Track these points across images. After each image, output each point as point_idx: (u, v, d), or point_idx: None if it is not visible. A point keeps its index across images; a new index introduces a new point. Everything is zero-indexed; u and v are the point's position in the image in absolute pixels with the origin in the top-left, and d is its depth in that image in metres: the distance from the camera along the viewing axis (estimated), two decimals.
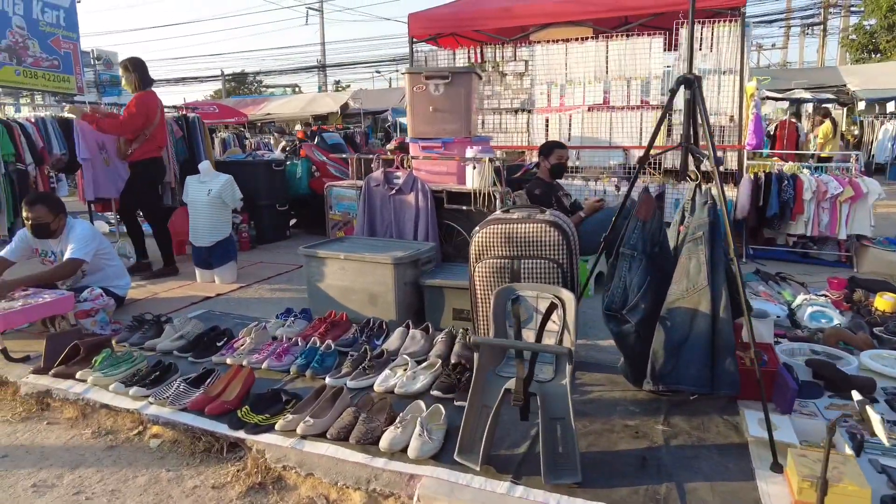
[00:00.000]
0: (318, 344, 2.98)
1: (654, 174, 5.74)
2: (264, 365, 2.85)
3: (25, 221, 3.58)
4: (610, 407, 2.44)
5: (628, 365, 2.52)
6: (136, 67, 4.70)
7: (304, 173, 6.58)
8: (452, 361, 2.76)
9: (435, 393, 2.49)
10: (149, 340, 3.21)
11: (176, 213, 5.73)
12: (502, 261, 2.69)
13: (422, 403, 2.31)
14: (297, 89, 33.05)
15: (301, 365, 2.80)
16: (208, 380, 2.67)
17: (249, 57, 61.97)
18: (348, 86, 33.86)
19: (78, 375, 2.79)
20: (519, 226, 2.65)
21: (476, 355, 2.01)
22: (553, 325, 2.11)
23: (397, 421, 2.18)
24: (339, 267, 3.50)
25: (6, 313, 3.00)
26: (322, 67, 33.62)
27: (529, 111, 6.09)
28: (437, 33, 6.33)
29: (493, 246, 2.70)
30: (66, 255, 3.52)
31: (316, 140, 6.63)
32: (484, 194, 3.75)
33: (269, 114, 21.55)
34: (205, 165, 4.63)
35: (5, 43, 15.36)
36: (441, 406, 2.27)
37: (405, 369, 2.75)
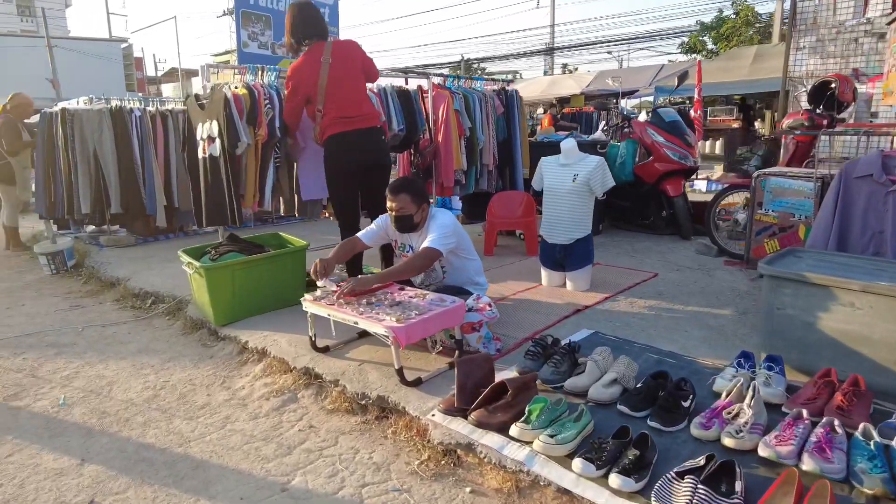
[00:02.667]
0: (873, 436, 1.79)
1: None
2: (804, 464, 1.73)
3: (389, 211, 2.95)
4: None
5: None
6: (293, 14, 3.35)
7: (629, 157, 5.44)
8: None
9: None
10: (568, 379, 2.32)
11: (494, 199, 5.02)
12: None
13: None
14: (518, 75, 32.36)
15: (886, 479, 1.63)
16: (736, 483, 1.63)
17: (482, 42, 63.38)
18: (576, 68, 32.39)
19: (514, 433, 1.96)
20: None
21: None
22: None
23: None
24: (844, 302, 2.25)
25: (408, 326, 2.31)
26: (550, 51, 32.64)
27: None
28: None
29: None
30: (424, 244, 2.81)
31: (649, 117, 5.46)
32: None
33: None
34: (569, 144, 3.72)
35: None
36: None
37: None
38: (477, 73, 36.94)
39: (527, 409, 2.01)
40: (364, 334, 2.82)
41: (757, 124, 14.81)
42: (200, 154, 3.50)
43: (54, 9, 28.06)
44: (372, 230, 3.07)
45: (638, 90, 18.44)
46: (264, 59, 15.62)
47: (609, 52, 33.17)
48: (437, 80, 4.89)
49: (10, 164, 5.78)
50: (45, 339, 3.50)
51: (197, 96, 3.56)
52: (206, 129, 3.44)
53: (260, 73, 3.73)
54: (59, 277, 4.96)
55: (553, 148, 5.58)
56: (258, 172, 3.66)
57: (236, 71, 3.78)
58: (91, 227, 6.17)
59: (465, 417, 2.10)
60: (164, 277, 4.47)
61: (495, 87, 5.35)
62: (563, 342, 2.60)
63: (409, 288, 2.75)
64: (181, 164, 5.86)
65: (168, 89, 34.58)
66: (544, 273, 3.85)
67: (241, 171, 3.83)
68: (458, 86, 4.94)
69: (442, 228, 2.88)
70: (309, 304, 2.66)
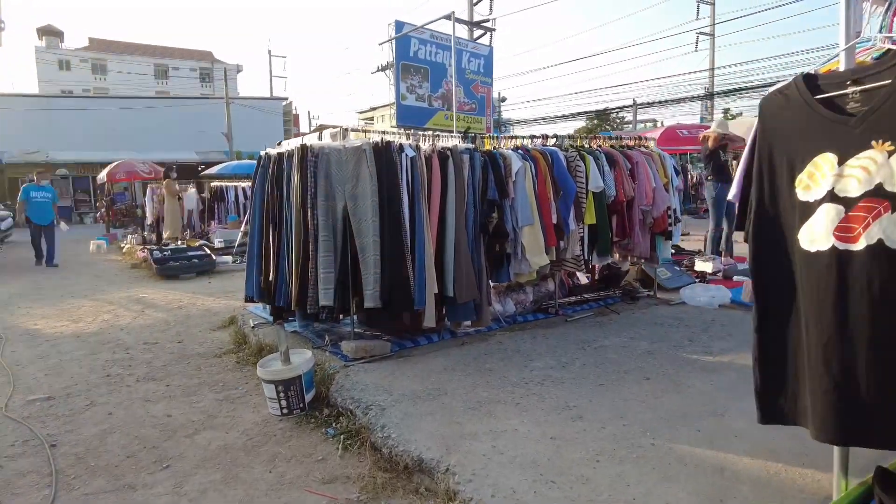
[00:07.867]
0: None
1: None
2: None
3: None
4: None
5: None
6: None
7: None
8: None
9: None
10: None
11: None
12: None
13: None
14: (658, 123, 29.11)
15: None
16: None
17: (627, 90, 60.38)
18: (740, 113, 28.57)
19: None
20: None
21: None
22: None
23: None
24: None
25: None
26: (710, 96, 29.28)
27: None
28: None
29: None
30: None
31: None
32: None
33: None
34: None
35: (440, 92, 15.49)
36: None
37: None
38: (616, 122, 33.67)
39: None
40: None
41: None
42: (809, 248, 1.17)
43: (230, 73, 30.62)
44: None
45: None
46: (421, 111, 14.28)
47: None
48: None
49: None
50: None
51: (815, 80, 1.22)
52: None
53: None
54: (295, 425, 2.92)
55: None
56: None
57: None
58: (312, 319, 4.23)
59: None
60: (512, 467, 2.23)
61: None
62: None
63: None
64: (461, 231, 3.77)
65: None
66: None
67: None
68: None
69: None
70: None
